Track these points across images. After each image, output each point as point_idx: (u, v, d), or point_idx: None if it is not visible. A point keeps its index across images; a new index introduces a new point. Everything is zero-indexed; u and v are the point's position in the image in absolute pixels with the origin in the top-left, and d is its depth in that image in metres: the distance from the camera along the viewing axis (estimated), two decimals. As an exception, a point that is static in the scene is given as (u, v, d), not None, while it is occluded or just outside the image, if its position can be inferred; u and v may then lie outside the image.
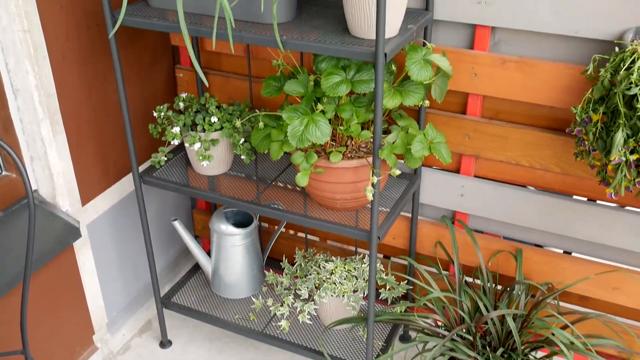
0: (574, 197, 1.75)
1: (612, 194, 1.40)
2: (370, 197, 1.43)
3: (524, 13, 1.54)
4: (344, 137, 1.60)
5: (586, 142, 1.44)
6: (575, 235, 1.74)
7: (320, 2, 1.66)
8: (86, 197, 1.87)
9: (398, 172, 1.48)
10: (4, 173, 1.74)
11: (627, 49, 1.36)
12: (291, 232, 2.33)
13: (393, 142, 1.53)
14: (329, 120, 1.56)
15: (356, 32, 1.42)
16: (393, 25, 1.40)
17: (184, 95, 1.84)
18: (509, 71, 1.62)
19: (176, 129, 1.71)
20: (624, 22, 1.45)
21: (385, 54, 1.32)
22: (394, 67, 1.58)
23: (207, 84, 1.43)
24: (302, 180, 1.53)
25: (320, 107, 1.50)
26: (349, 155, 1.57)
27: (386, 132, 1.64)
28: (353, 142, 1.61)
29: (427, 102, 1.56)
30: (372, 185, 1.44)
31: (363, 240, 1.58)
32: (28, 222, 1.28)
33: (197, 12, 1.57)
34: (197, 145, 1.72)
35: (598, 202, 1.74)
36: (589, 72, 1.44)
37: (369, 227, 1.58)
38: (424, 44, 1.62)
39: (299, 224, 1.68)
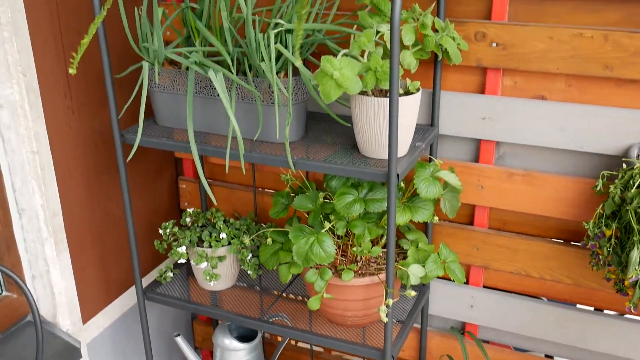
0: (587, 307, 1.72)
1: (632, 308, 1.38)
2: (384, 318, 1.40)
3: (529, 129, 1.57)
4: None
5: (601, 257, 1.44)
6: (588, 347, 1.71)
7: (327, 117, 1.69)
8: (87, 314, 1.82)
9: (414, 293, 1.46)
10: (4, 293, 1.69)
11: (635, 167, 1.38)
12: (293, 342, 2.27)
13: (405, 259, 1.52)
14: (339, 236, 1.55)
15: (366, 151, 1.43)
16: (403, 144, 1.42)
17: (190, 210, 1.83)
18: (516, 184, 1.63)
19: (182, 249, 1.69)
20: (628, 137, 1.48)
21: (398, 175, 1.33)
22: (402, 184, 1.59)
23: (215, 201, 1.42)
24: (314, 304, 1.50)
25: (327, 224, 1.49)
26: (359, 272, 1.55)
27: (396, 246, 1.62)
28: (363, 258, 1.59)
29: (436, 219, 1.56)
30: (387, 306, 1.41)
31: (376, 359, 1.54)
32: (30, 346, 1.23)
33: (203, 130, 1.59)
34: (204, 264, 1.69)
35: (613, 313, 1.71)
36: (598, 188, 1.45)
37: (381, 345, 1.54)
38: (430, 159, 1.63)
39: (309, 342, 1.64)
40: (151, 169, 1.98)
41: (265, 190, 1.99)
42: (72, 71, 1.04)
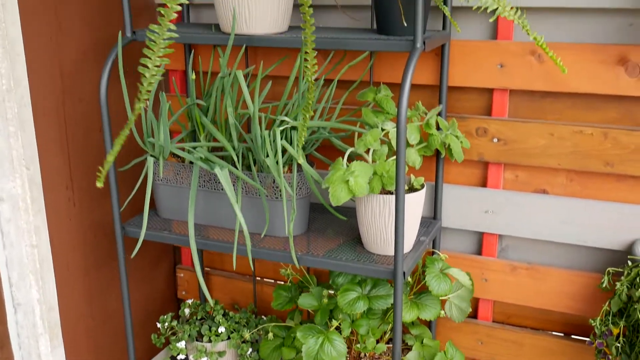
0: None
1: (642, 411, 1.35)
2: (392, 420, 1.36)
3: (531, 222, 1.57)
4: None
5: (610, 357, 1.41)
6: None
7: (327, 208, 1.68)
8: (79, 412, 1.75)
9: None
10: (-6, 391, 1.63)
11: (640, 263, 1.38)
12: None
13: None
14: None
15: (371, 247, 1.42)
16: (408, 241, 1.41)
17: (189, 302, 1.79)
18: (520, 277, 1.62)
19: (182, 344, 1.65)
20: (632, 232, 1.48)
21: (404, 273, 1.32)
22: (409, 279, 1.57)
23: (210, 300, 1.40)
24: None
25: (335, 323, 1.47)
26: (364, 369, 1.52)
27: (400, 341, 1.59)
28: (368, 355, 1.56)
29: (443, 313, 1.54)
30: (394, 407, 1.37)
31: None
32: None
33: (204, 223, 1.58)
34: (204, 359, 1.65)
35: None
36: (604, 285, 1.44)
37: None
38: (433, 253, 1.62)
39: None
40: (149, 258, 1.96)
41: (265, 279, 1.96)
42: (99, 184, 1.04)
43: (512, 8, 1.20)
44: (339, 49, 1.36)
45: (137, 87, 1.64)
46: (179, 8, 1.15)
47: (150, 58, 1.11)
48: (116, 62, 1.45)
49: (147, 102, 1.52)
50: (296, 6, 1.63)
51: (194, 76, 1.46)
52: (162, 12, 1.16)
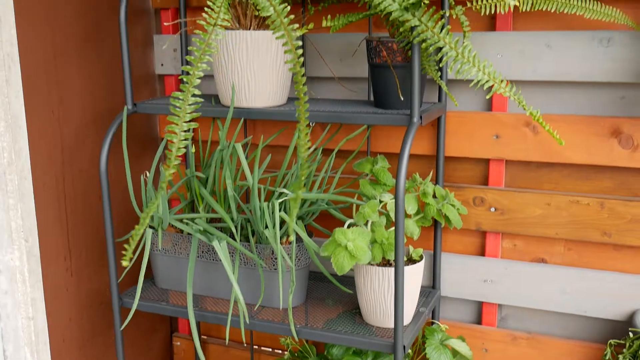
0: None
1: None
2: None
3: (530, 291, 1.56)
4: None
5: None
6: None
7: (327, 277, 1.68)
8: None
9: None
10: None
11: (642, 335, 1.37)
12: None
13: None
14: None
15: (370, 319, 1.41)
16: (408, 312, 1.40)
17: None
18: (520, 347, 1.60)
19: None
20: (632, 302, 1.48)
21: (404, 346, 1.31)
22: (410, 350, 1.56)
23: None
24: None
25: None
26: None
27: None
28: None
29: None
30: None
31: None
32: None
33: (202, 293, 1.57)
34: None
35: None
36: (607, 358, 1.43)
37: None
38: (432, 323, 1.61)
39: None
40: (145, 326, 1.93)
41: (262, 348, 1.94)
42: (125, 263, 1.05)
43: (507, 84, 1.23)
44: (337, 122, 1.38)
45: (136, 157, 1.67)
46: (202, 74, 1.18)
47: (177, 124, 1.14)
48: (118, 135, 1.47)
49: (147, 172, 1.54)
50: (294, 78, 1.67)
51: (193, 149, 1.48)
52: (185, 79, 1.19)
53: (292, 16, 1.17)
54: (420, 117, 1.30)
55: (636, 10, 1.39)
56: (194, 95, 1.18)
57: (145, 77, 1.81)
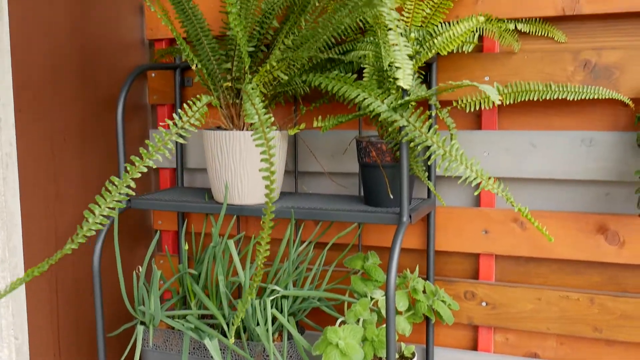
0: None
1: None
2: None
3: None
4: None
5: None
6: None
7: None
8: None
9: None
10: None
11: None
12: None
13: None
14: None
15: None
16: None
17: None
18: None
19: None
20: (626, 400, 1.47)
21: None
22: None
23: None
24: None
25: None
26: None
27: None
28: None
29: None
30: None
31: None
32: None
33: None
34: None
35: None
36: None
37: None
38: (427, 419, 1.59)
39: None
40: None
41: None
42: None
43: (494, 181, 1.26)
44: (328, 220, 1.41)
45: (129, 249, 1.68)
46: (145, 170, 1.20)
47: (100, 206, 1.15)
48: (110, 230, 1.49)
49: (139, 267, 1.54)
50: (287, 172, 1.70)
51: (186, 246, 1.49)
52: (128, 167, 1.21)
53: (274, 127, 1.22)
54: (410, 216, 1.32)
55: (615, 112, 1.44)
56: (127, 187, 1.20)
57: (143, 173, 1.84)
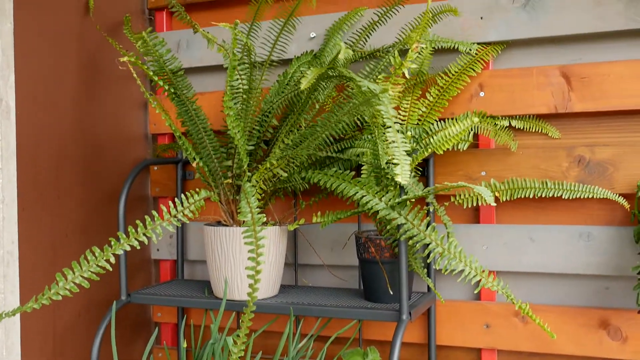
0: None
1: None
2: None
3: None
4: None
5: None
6: None
7: None
8: None
9: None
10: None
11: None
12: None
13: None
14: None
15: None
16: None
17: None
18: None
19: None
20: None
21: None
22: None
23: None
24: None
25: None
26: None
27: None
28: None
29: None
30: None
31: None
32: None
33: None
34: None
35: None
36: None
37: None
38: None
39: None
40: None
41: None
42: None
43: (494, 278, 1.26)
44: (327, 317, 1.40)
45: (128, 343, 1.66)
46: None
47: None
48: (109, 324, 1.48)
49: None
50: (288, 265, 1.71)
51: (185, 344, 1.48)
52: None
53: (265, 227, 1.23)
54: (410, 313, 1.32)
55: (612, 207, 1.45)
56: (106, 260, 1.21)
57: (142, 262, 1.85)
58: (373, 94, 1.15)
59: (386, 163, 1.33)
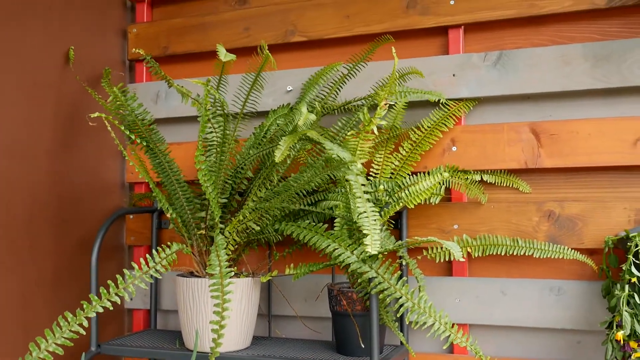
0: None
1: None
2: None
3: None
4: None
5: None
6: None
7: None
8: None
9: None
10: None
11: None
12: None
13: None
14: None
15: None
16: None
17: None
18: None
19: None
20: None
21: None
22: None
23: None
24: None
25: None
26: None
27: None
28: None
29: None
30: None
31: None
32: None
33: None
34: None
35: None
36: None
37: None
38: None
39: None
40: None
41: None
42: None
43: (463, 334, 1.26)
44: (299, 370, 1.39)
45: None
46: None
47: None
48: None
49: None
50: (260, 315, 1.70)
51: (153, 397, 1.46)
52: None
53: (233, 280, 1.23)
54: (380, 367, 1.31)
55: (581, 262, 1.47)
56: (80, 325, 1.20)
57: (115, 311, 1.83)
58: (342, 162, 1.17)
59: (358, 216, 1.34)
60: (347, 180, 1.17)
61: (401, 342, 1.55)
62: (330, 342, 1.59)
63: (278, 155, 1.15)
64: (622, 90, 1.47)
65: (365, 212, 1.16)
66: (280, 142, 1.15)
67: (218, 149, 1.42)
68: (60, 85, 1.65)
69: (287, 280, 1.69)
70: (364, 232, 1.16)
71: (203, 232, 1.47)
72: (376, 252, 1.15)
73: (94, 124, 1.66)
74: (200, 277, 1.47)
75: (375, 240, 1.15)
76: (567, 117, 1.50)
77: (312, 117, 1.20)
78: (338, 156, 1.16)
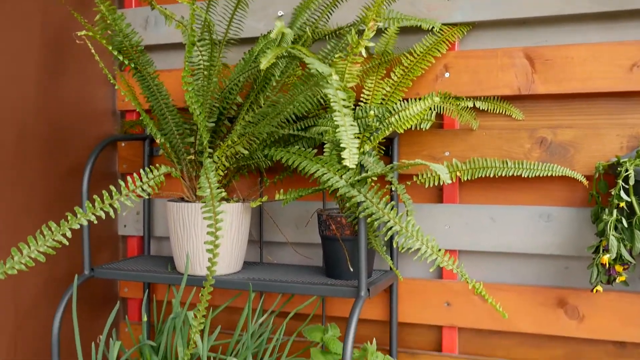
0: None
1: None
2: None
3: None
4: None
5: None
6: None
7: None
8: None
9: None
10: None
11: None
12: None
13: None
14: None
15: None
16: None
17: None
18: None
19: None
20: None
21: None
22: None
23: None
24: None
25: None
26: None
27: None
28: None
29: None
30: None
31: None
32: None
33: None
34: None
35: None
36: None
37: None
38: None
39: None
40: None
41: None
42: None
43: (450, 257, 1.27)
44: (288, 292, 1.41)
45: (93, 318, 1.66)
46: None
47: None
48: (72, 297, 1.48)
49: (100, 336, 1.53)
50: (251, 241, 1.71)
51: (145, 318, 1.49)
52: None
53: (224, 202, 1.23)
54: (368, 290, 1.33)
55: (572, 189, 1.47)
56: (63, 235, 1.22)
57: (109, 238, 1.84)
58: (322, 76, 1.15)
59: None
60: (325, 95, 1.15)
61: (390, 268, 1.57)
62: (321, 267, 1.60)
63: (264, 63, 1.13)
64: (619, 15, 1.43)
65: (343, 125, 1.15)
66: (266, 52, 1.13)
67: (205, 73, 1.40)
68: (46, 10, 1.62)
69: (279, 207, 1.69)
70: (342, 145, 1.15)
71: (192, 157, 1.47)
72: (354, 166, 1.13)
73: (81, 42, 1.63)
74: (190, 201, 1.47)
75: (353, 154, 1.13)
76: (564, 42, 1.47)
77: (288, 30, 1.18)
78: (317, 70, 1.14)
